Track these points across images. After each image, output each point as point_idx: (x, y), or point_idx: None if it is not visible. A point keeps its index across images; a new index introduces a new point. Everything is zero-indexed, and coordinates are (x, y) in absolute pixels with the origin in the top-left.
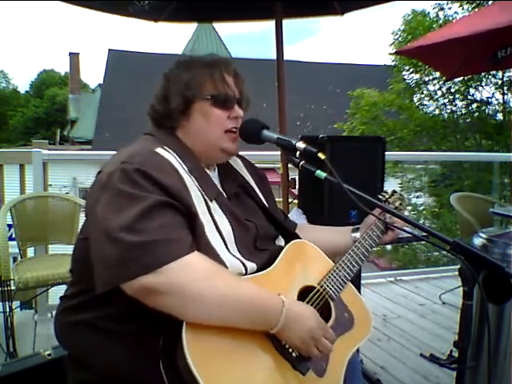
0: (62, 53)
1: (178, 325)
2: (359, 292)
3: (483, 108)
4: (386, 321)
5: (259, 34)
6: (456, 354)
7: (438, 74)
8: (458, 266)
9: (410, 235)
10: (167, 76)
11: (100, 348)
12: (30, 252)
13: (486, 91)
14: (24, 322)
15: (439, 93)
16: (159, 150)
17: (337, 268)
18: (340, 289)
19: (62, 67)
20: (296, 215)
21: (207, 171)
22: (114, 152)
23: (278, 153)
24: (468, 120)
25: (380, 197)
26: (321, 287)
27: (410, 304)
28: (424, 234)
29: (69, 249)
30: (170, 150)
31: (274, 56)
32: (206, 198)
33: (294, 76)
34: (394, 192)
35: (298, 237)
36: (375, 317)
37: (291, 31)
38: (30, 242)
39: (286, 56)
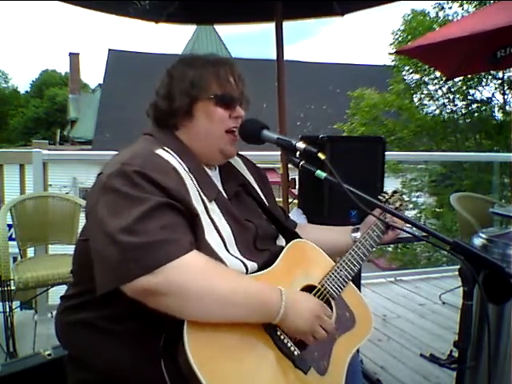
0: (62, 53)
1: (178, 324)
2: (359, 292)
3: (483, 108)
4: (385, 321)
5: (259, 34)
6: (456, 354)
7: (438, 74)
8: (458, 266)
9: (409, 235)
10: (170, 73)
11: (100, 348)
12: (30, 252)
13: (486, 91)
14: (24, 322)
15: (439, 93)
16: (159, 151)
17: (338, 267)
18: (341, 288)
19: (62, 67)
20: (296, 215)
21: (208, 171)
22: (115, 152)
23: (278, 153)
24: (468, 120)
25: (380, 197)
26: (322, 286)
27: (409, 304)
28: (424, 234)
29: (69, 249)
30: (170, 151)
31: (274, 56)
32: (204, 198)
33: (294, 76)
34: (395, 192)
35: (298, 236)
36: (375, 317)
37: (291, 31)
38: (30, 242)
39: (286, 56)
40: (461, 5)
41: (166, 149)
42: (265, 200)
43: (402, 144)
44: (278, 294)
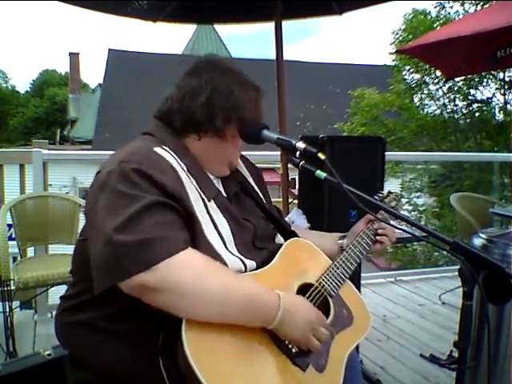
0: (62, 53)
1: (177, 322)
2: (359, 292)
3: (484, 108)
4: (385, 321)
5: (259, 33)
6: (456, 354)
7: (438, 74)
8: (458, 267)
9: (409, 235)
10: (215, 82)
11: (100, 348)
12: (30, 252)
13: (487, 91)
14: (24, 322)
15: (440, 93)
16: (158, 150)
17: (335, 265)
18: (338, 286)
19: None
20: (296, 215)
21: (206, 171)
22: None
23: (278, 153)
24: (468, 120)
25: (376, 197)
26: (319, 284)
27: (409, 304)
28: (424, 234)
29: (69, 249)
30: (168, 150)
31: (273, 56)
32: (203, 197)
33: (294, 76)
34: (390, 193)
35: (296, 235)
36: (375, 317)
37: (291, 31)
38: (29, 242)
39: (286, 56)
40: (462, 4)
41: (165, 147)
42: (263, 199)
43: (402, 144)
44: (276, 299)
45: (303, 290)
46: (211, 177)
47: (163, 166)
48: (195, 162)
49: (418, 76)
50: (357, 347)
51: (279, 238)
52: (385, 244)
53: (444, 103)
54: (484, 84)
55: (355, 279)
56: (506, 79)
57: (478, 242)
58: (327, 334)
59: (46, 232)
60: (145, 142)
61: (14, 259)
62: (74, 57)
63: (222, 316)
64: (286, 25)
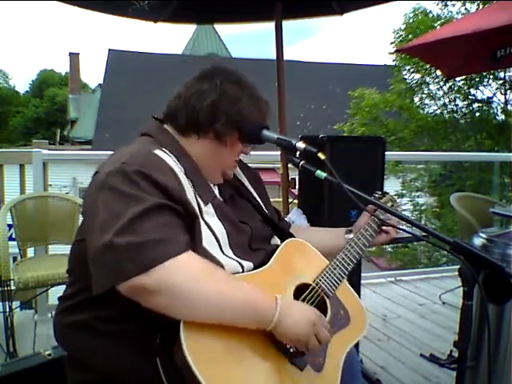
0: (62, 53)
1: (175, 322)
2: (359, 292)
3: (484, 108)
4: (385, 321)
5: (259, 34)
6: (456, 354)
7: (439, 74)
8: (458, 266)
9: (409, 235)
10: (224, 87)
11: (98, 348)
12: (30, 252)
13: (487, 91)
14: (24, 322)
15: (440, 92)
16: (157, 152)
17: (332, 266)
18: (335, 286)
19: (62, 67)
20: (296, 215)
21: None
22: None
23: (278, 153)
24: (469, 120)
25: (372, 198)
26: (316, 285)
27: (409, 304)
28: (424, 233)
29: (69, 249)
30: (167, 152)
31: (273, 56)
32: (200, 201)
33: (294, 76)
34: (386, 193)
35: (292, 236)
36: (375, 317)
37: (291, 31)
38: (29, 242)
39: (286, 56)
40: (463, 4)
41: (164, 150)
42: (260, 201)
43: (402, 144)
44: (273, 302)
45: (300, 290)
46: (208, 180)
47: (164, 169)
48: (193, 165)
49: (418, 76)
50: (357, 347)
51: (276, 240)
52: (391, 235)
53: (444, 103)
54: (485, 83)
55: (355, 279)
56: (507, 78)
57: (478, 241)
58: (328, 336)
59: (46, 232)
60: (144, 144)
61: (14, 259)
62: (74, 57)
63: (219, 319)
64: (286, 25)
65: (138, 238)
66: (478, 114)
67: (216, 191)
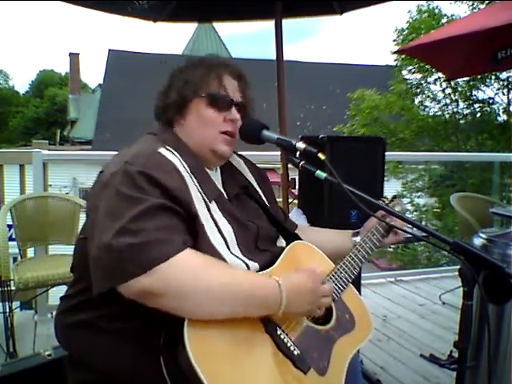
0: (62, 53)
1: (179, 321)
2: (359, 292)
3: (486, 109)
4: (385, 321)
5: (259, 34)
6: (456, 355)
7: (440, 74)
8: (458, 267)
9: (410, 235)
10: (172, 74)
11: (100, 347)
12: (30, 252)
13: (489, 91)
14: (24, 322)
15: (441, 93)
16: (162, 150)
17: (338, 270)
18: (341, 290)
19: (62, 67)
20: (296, 215)
21: (208, 172)
22: (115, 152)
23: (278, 153)
24: (470, 120)
25: (380, 202)
26: None
27: (409, 304)
28: (424, 234)
29: (69, 249)
30: (172, 150)
31: (273, 56)
32: (205, 198)
33: (294, 76)
34: (395, 197)
35: (298, 238)
36: (375, 317)
37: (291, 31)
38: (30, 242)
39: (286, 56)
40: (472, 4)
41: (169, 148)
42: (266, 201)
43: (403, 145)
44: (276, 285)
45: None
46: (213, 177)
47: (167, 168)
48: (197, 161)
49: (419, 76)
50: None
51: (281, 241)
52: (399, 236)
53: (445, 103)
54: (487, 84)
55: (355, 279)
56: (510, 80)
57: (478, 241)
58: (330, 287)
59: (46, 232)
60: (149, 143)
61: (14, 259)
62: (74, 57)
63: (227, 311)
64: (286, 25)
65: (137, 239)
66: (479, 115)
67: (221, 189)
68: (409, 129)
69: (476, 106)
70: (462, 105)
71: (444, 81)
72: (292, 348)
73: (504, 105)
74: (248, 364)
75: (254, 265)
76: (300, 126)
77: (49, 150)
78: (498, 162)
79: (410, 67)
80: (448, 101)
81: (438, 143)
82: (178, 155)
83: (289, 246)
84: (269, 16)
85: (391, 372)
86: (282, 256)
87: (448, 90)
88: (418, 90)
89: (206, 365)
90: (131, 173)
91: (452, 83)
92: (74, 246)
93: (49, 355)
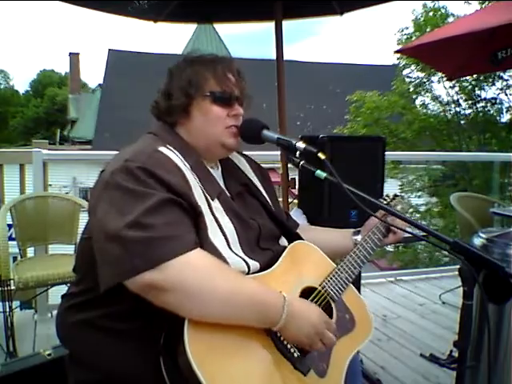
0: (62, 53)
1: (179, 322)
2: (359, 292)
3: (487, 108)
4: (385, 321)
5: (259, 34)
6: (456, 354)
7: (441, 74)
8: (458, 266)
9: (410, 235)
10: (171, 71)
11: (101, 347)
12: (30, 252)
13: (491, 91)
14: (24, 322)
15: (443, 93)
16: (162, 149)
17: (338, 270)
18: (341, 290)
19: (62, 67)
20: (296, 215)
21: (210, 170)
22: (115, 152)
23: (278, 153)
24: (472, 120)
25: (381, 200)
26: (322, 288)
27: (409, 304)
28: (424, 234)
29: (69, 249)
30: (172, 149)
31: (273, 56)
32: (207, 196)
33: (294, 76)
34: (396, 196)
35: (299, 237)
36: (375, 317)
37: (291, 31)
38: (29, 242)
39: (286, 56)
40: (482, 3)
41: (169, 147)
42: (268, 200)
43: (404, 145)
44: (281, 301)
45: (306, 293)
46: (215, 175)
47: (168, 165)
48: (199, 160)
49: (421, 75)
50: None
51: (283, 240)
52: (399, 234)
53: (447, 103)
54: (489, 84)
55: (355, 279)
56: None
57: (478, 241)
58: (334, 339)
59: (45, 232)
60: (149, 142)
61: (14, 259)
62: (74, 57)
63: (227, 316)
64: (287, 25)
65: (147, 233)
66: (481, 115)
67: (223, 186)
68: (410, 129)
69: (478, 105)
70: (464, 104)
71: (447, 80)
72: (292, 350)
73: (510, 103)
74: (247, 366)
75: (255, 264)
76: (300, 125)
77: (49, 149)
78: (498, 161)
79: (414, 67)
80: (450, 100)
81: (440, 143)
82: (178, 154)
83: (290, 246)
84: (269, 17)
85: (391, 372)
86: (282, 256)
87: (451, 90)
88: (421, 90)
89: (205, 366)
90: (132, 169)
91: (454, 82)
92: (74, 246)
93: (49, 355)
